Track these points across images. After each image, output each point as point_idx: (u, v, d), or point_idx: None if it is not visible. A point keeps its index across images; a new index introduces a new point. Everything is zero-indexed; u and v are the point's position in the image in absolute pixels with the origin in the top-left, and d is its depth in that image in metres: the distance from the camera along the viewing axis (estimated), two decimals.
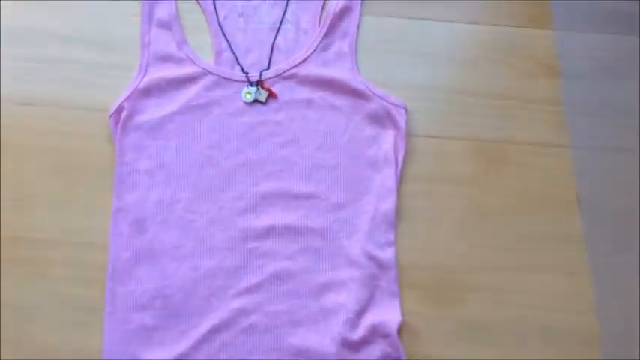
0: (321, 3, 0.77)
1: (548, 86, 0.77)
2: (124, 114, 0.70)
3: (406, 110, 0.73)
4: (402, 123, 0.72)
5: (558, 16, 0.81)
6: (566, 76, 0.78)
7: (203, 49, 0.75)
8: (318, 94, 0.73)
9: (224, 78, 0.73)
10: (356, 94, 0.73)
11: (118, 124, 0.70)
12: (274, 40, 0.75)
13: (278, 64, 0.74)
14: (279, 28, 0.76)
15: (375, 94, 0.73)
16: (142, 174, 0.69)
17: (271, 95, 0.73)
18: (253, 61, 0.74)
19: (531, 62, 0.78)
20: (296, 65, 0.74)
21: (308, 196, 0.70)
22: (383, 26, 0.78)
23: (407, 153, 0.72)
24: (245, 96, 0.72)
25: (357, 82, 0.73)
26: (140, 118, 0.71)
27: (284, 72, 0.74)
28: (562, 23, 0.80)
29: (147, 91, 0.71)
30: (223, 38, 0.75)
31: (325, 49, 0.75)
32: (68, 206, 0.69)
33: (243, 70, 0.74)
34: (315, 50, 0.74)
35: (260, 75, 0.73)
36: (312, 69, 0.74)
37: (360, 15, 0.77)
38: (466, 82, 0.76)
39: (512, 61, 0.78)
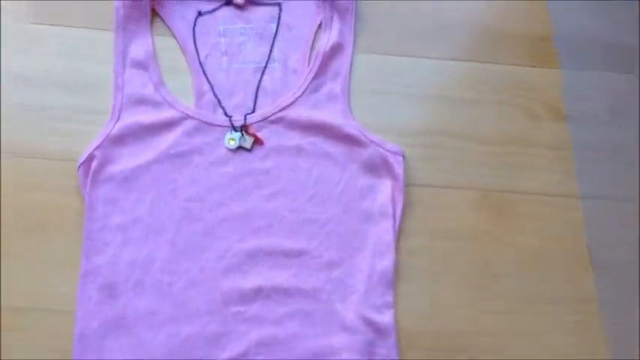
0: (311, 40, 0.72)
1: (554, 129, 0.72)
2: (94, 164, 0.64)
3: (404, 157, 0.67)
4: (400, 171, 0.66)
5: (562, 53, 0.77)
6: (573, 118, 0.73)
7: (183, 91, 0.68)
8: (308, 140, 0.67)
9: (205, 123, 0.67)
10: (349, 140, 0.67)
11: (88, 175, 0.64)
12: (260, 81, 0.69)
13: (264, 107, 0.68)
14: (265, 67, 0.70)
15: (370, 141, 0.67)
16: (114, 230, 0.63)
17: (257, 142, 0.67)
18: (237, 103, 0.68)
19: (535, 103, 0.73)
20: (284, 108, 0.68)
21: (298, 254, 0.64)
22: (377, 65, 0.72)
23: (405, 204, 0.67)
24: (228, 142, 0.66)
25: (351, 127, 0.67)
26: (112, 168, 0.64)
27: (271, 115, 0.68)
28: (567, 61, 0.76)
29: (120, 138, 0.65)
30: (205, 79, 0.69)
31: (316, 90, 0.69)
32: (32, 269, 0.62)
33: (226, 113, 0.68)
34: (304, 91, 0.69)
35: (245, 119, 0.67)
36: (301, 112, 0.68)
37: (353, 53, 0.72)
38: (467, 126, 0.71)
39: (515, 102, 0.73)
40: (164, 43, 0.71)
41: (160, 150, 0.65)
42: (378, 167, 0.67)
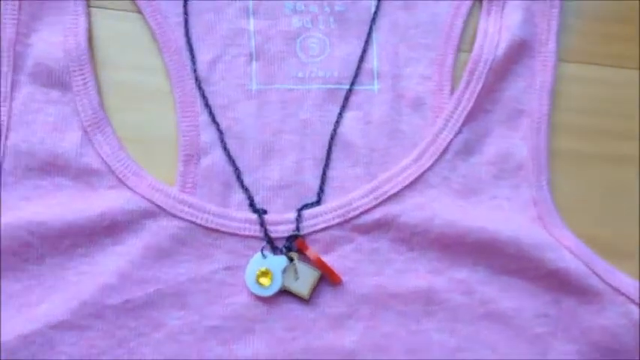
0: (457, 33, 0.31)
1: None
2: None
3: None
4: None
5: None
6: None
7: (152, 144, 0.30)
8: (450, 279, 0.29)
9: (202, 227, 0.28)
10: (558, 281, 0.28)
11: None
12: (336, 125, 0.30)
13: (346, 191, 0.30)
14: (349, 91, 0.31)
15: (612, 288, 0.28)
16: None
17: (328, 277, 0.29)
18: (282, 180, 0.30)
19: None
20: (392, 196, 0.29)
21: None
22: (616, 91, 0.32)
23: None
24: (257, 281, 0.28)
25: (560, 249, 0.28)
26: None
27: (361, 214, 0.29)
28: None
29: None
30: (207, 115, 0.30)
31: (470, 150, 0.30)
32: None
33: (253, 205, 0.29)
34: (443, 154, 0.30)
35: (297, 221, 0.29)
36: (436, 208, 0.29)
37: (557, 64, 0.32)
38: None
39: None
40: (115, 28, 0.31)
41: (83, 296, 0.27)
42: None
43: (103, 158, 0.29)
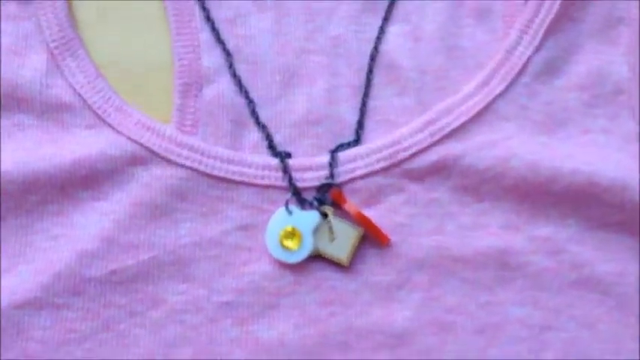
0: None
1: None
2: None
3: None
4: None
5: None
6: None
7: (137, 70, 0.24)
8: (531, 236, 0.23)
9: (207, 176, 0.23)
10: None
11: None
12: (377, 42, 0.24)
13: (392, 124, 0.24)
14: (389, 7, 0.25)
15: None
16: None
17: (373, 237, 0.23)
18: (309, 113, 0.24)
19: None
20: (456, 131, 0.23)
21: None
22: None
23: None
24: (280, 243, 0.23)
25: None
26: None
27: (413, 155, 0.23)
28: None
29: None
30: (209, 32, 0.24)
31: (553, 70, 0.24)
32: None
33: (273, 147, 0.23)
34: (519, 76, 0.24)
35: (331, 166, 0.23)
36: (511, 146, 0.23)
37: None
38: None
39: None
40: None
41: (57, 267, 0.22)
42: None
43: (75, 89, 0.23)
